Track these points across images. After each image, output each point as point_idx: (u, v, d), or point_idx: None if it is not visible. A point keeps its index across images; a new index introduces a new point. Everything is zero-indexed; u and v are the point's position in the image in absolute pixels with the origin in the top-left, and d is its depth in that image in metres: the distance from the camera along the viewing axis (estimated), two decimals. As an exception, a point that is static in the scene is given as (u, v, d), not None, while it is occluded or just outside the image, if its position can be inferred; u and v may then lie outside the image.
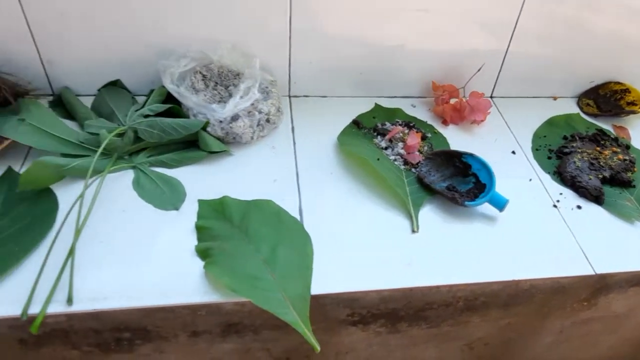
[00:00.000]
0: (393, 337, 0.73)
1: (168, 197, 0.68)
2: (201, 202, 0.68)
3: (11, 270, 0.57)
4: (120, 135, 0.72)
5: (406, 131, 0.81)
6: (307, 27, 0.82)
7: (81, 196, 0.64)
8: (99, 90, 0.82)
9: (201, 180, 0.72)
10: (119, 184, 0.70)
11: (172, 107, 0.73)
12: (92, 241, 0.62)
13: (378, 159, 0.75)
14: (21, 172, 0.69)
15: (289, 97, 0.90)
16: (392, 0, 0.81)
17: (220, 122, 0.74)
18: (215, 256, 0.60)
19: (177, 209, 0.67)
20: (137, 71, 0.82)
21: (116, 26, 0.76)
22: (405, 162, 0.77)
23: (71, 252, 0.59)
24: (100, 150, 0.68)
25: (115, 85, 0.82)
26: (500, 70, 0.94)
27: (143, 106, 0.75)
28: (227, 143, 0.76)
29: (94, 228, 0.63)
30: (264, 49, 0.82)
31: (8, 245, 0.59)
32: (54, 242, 0.60)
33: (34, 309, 0.55)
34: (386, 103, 0.91)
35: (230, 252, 0.61)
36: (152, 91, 0.83)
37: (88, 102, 0.81)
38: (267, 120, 0.78)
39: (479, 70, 0.90)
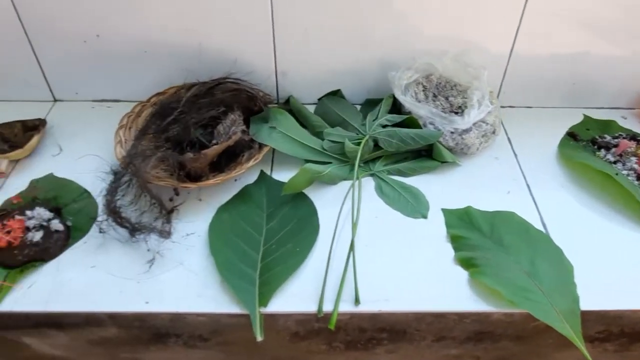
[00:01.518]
0: (619, 355, 0.71)
1: (414, 205, 0.71)
2: (446, 212, 0.70)
3: (299, 269, 0.63)
4: (359, 143, 0.76)
5: (633, 145, 0.79)
6: (528, 47, 0.82)
7: (358, 200, 0.69)
8: (319, 99, 0.87)
9: (435, 190, 0.74)
10: (362, 190, 0.73)
11: (409, 117, 0.76)
12: (357, 244, 0.65)
13: (617, 174, 0.73)
14: (272, 175, 0.75)
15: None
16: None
17: (452, 132, 0.76)
18: (481, 266, 0.62)
19: (425, 217, 0.69)
20: (355, 82, 0.86)
21: (349, 41, 0.80)
22: (639, 177, 0.75)
23: (351, 248, 0.62)
24: (342, 158, 0.73)
25: (334, 95, 0.87)
26: None
27: (377, 116, 0.79)
28: (455, 153, 0.78)
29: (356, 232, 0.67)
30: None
31: (287, 245, 0.64)
32: (332, 243, 0.64)
33: (316, 307, 0.59)
34: (593, 114, 0.88)
35: (495, 263, 0.62)
36: (366, 100, 0.88)
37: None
38: (493, 132, 0.78)
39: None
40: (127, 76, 0.84)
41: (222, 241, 0.65)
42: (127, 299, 0.59)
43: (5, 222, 0.64)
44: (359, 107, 0.87)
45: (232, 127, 0.70)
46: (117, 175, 0.64)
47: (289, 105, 0.84)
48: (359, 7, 0.77)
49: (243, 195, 0.71)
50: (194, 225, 0.67)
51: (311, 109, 0.85)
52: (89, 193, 0.71)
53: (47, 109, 0.86)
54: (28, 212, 0.65)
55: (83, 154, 0.77)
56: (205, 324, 0.61)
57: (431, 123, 0.77)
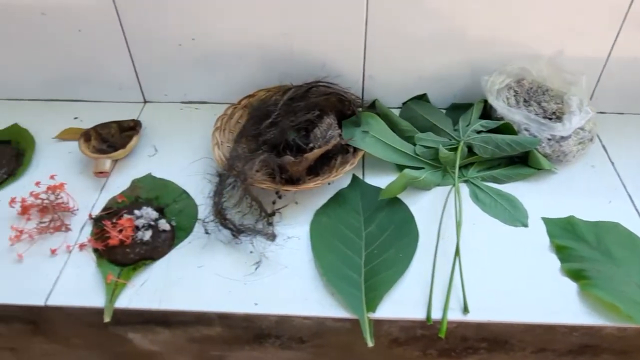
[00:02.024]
0: None
1: (511, 213, 0.69)
2: (547, 221, 0.68)
3: (403, 275, 0.63)
4: (453, 149, 0.75)
5: None
6: (627, 51, 0.79)
7: (459, 206, 0.68)
8: (404, 103, 0.87)
9: (531, 197, 0.72)
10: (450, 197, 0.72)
11: (504, 123, 0.75)
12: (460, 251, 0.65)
13: None
14: (364, 179, 0.75)
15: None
16: None
17: (549, 139, 0.74)
18: (593, 279, 0.60)
19: (525, 225, 0.68)
20: (441, 86, 0.85)
21: (440, 45, 0.79)
22: None
23: (457, 253, 0.62)
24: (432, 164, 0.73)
25: (420, 99, 0.86)
26: None
27: (469, 122, 0.78)
28: (550, 161, 0.76)
29: (453, 239, 0.66)
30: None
31: (389, 250, 0.64)
32: (436, 249, 0.64)
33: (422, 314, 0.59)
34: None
35: (608, 276, 0.61)
36: (452, 105, 0.87)
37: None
38: (590, 139, 0.76)
39: None
40: (216, 79, 0.86)
41: (324, 245, 0.65)
42: (237, 300, 0.60)
43: (115, 220, 0.66)
44: (443, 111, 0.87)
45: (328, 131, 0.71)
46: (222, 177, 0.65)
47: (375, 109, 0.84)
48: (452, 11, 0.76)
49: (338, 199, 0.72)
50: (293, 229, 0.68)
51: (394, 112, 0.85)
52: (187, 194, 0.72)
53: (138, 110, 0.88)
54: (136, 212, 0.67)
55: (177, 155, 0.79)
56: (309, 327, 0.62)
57: (526, 129, 0.75)
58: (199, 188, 0.73)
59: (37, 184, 0.70)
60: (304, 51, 0.81)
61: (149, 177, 0.75)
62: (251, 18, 0.78)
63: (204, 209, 0.70)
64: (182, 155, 0.79)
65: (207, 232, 0.65)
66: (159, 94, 0.88)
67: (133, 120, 0.83)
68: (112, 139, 0.81)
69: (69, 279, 0.63)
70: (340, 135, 0.72)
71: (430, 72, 0.83)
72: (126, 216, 0.66)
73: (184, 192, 0.73)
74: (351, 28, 0.78)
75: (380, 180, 0.75)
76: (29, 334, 0.69)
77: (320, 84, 0.77)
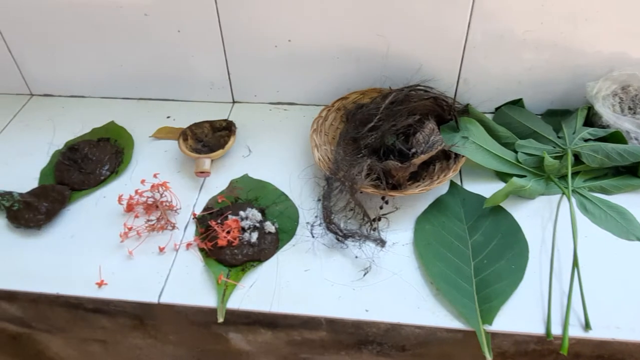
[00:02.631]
0: None
1: (624, 226, 0.66)
2: (664, 235, 0.66)
3: (517, 287, 0.61)
4: (557, 157, 0.73)
5: None
6: None
7: (572, 217, 0.66)
8: (497, 108, 0.85)
9: (641, 209, 0.70)
10: (562, 207, 0.70)
11: (615, 132, 0.72)
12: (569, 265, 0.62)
13: None
14: (462, 186, 0.73)
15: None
16: None
17: (662, 149, 0.71)
18: None
19: (640, 239, 0.66)
20: (537, 91, 0.83)
21: (542, 50, 0.77)
22: None
23: (575, 264, 0.60)
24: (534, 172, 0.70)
25: (514, 104, 0.84)
26: None
27: (574, 129, 0.75)
28: (661, 171, 0.73)
29: (566, 251, 0.64)
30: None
31: (500, 261, 0.63)
32: (552, 261, 0.62)
33: (540, 329, 0.57)
34: None
35: None
36: (548, 111, 0.84)
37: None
38: None
39: None
40: (307, 80, 0.86)
41: (431, 253, 0.64)
42: (347, 306, 0.60)
43: (221, 221, 0.67)
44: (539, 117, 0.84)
45: (431, 136, 0.70)
46: (329, 181, 0.65)
47: (468, 114, 0.82)
48: (557, 16, 0.74)
49: (439, 205, 0.70)
50: (396, 235, 0.67)
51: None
52: (286, 195, 0.73)
53: (227, 110, 0.89)
54: (242, 213, 0.67)
55: (271, 156, 0.80)
56: (417, 336, 0.61)
57: (636, 138, 0.72)
58: (296, 190, 0.74)
59: (143, 182, 0.72)
60: (399, 53, 0.80)
61: (247, 178, 0.76)
62: (348, 20, 0.77)
63: (304, 212, 0.70)
64: (275, 156, 0.80)
65: (312, 236, 0.65)
66: (249, 94, 0.89)
67: (225, 120, 0.83)
68: (205, 138, 0.82)
69: (178, 277, 0.64)
70: (443, 141, 0.70)
71: (530, 77, 0.81)
72: (232, 217, 0.67)
73: (283, 193, 0.73)
74: (452, 30, 0.76)
75: (478, 187, 0.73)
76: (129, 328, 0.71)
77: (419, 87, 0.76)
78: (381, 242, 0.62)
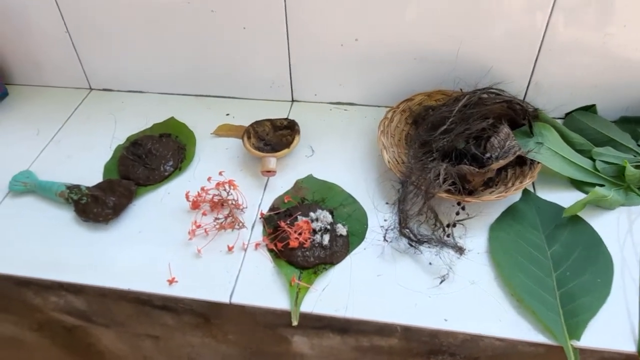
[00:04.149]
0: None
1: None
2: None
3: (605, 302, 0.59)
4: (639, 166, 0.70)
5: None
6: None
7: None
8: (567, 114, 0.81)
9: None
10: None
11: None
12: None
13: None
14: (536, 193, 0.71)
15: None
16: None
17: None
18: None
19: None
20: (611, 97, 0.79)
21: (624, 49, 0.74)
22: None
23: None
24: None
25: (586, 110, 0.81)
26: None
27: (656, 138, 0.72)
28: None
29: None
30: None
31: (584, 275, 0.60)
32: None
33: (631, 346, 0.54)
34: None
35: None
36: (622, 118, 0.80)
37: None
38: None
39: None
40: (370, 80, 0.84)
41: (510, 262, 0.62)
42: (424, 314, 0.58)
43: (290, 221, 0.66)
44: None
45: (507, 141, 0.67)
46: (404, 185, 0.63)
47: (538, 119, 0.79)
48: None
49: (513, 213, 0.68)
50: (469, 242, 0.65)
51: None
52: (353, 198, 0.71)
53: (286, 109, 0.88)
54: (312, 214, 0.66)
55: (334, 157, 0.78)
56: (496, 349, 0.59)
57: None
58: (362, 192, 0.72)
59: (209, 179, 0.71)
60: (469, 55, 0.77)
61: (312, 179, 0.75)
62: (419, 19, 0.75)
63: (372, 215, 0.69)
64: (339, 157, 0.78)
65: (386, 240, 0.64)
66: (309, 93, 0.88)
67: (286, 119, 0.82)
68: (267, 137, 0.81)
69: (248, 277, 0.63)
70: (519, 146, 0.68)
71: (606, 81, 0.78)
72: (301, 218, 0.66)
73: (350, 195, 0.71)
74: (528, 31, 0.73)
75: (552, 195, 0.70)
76: (191, 326, 0.70)
77: (492, 90, 0.74)
78: (459, 250, 0.60)
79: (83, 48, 0.89)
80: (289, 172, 0.76)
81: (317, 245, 0.63)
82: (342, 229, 0.65)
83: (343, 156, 0.78)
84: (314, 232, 0.64)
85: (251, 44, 0.82)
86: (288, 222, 0.66)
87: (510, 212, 0.68)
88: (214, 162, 0.78)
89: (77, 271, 0.65)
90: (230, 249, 0.65)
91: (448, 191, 0.66)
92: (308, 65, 0.84)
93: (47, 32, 0.88)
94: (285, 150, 0.75)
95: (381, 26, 0.77)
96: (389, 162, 0.70)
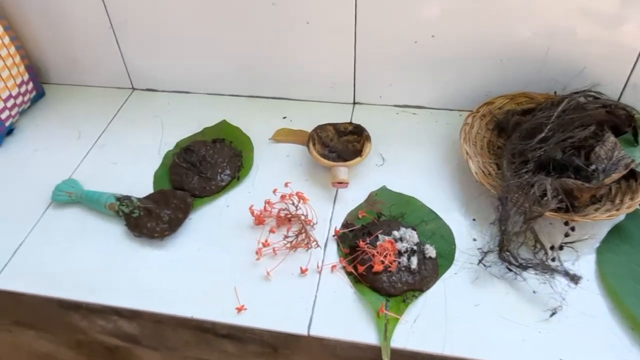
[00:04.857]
0: None
1: None
2: None
3: None
4: None
5: None
6: None
7: None
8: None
9: None
10: None
11: None
12: None
13: None
14: None
15: None
16: None
17: None
18: None
19: None
20: None
21: None
22: None
23: None
24: None
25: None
26: None
27: None
28: None
29: None
30: None
31: None
32: None
33: None
34: None
35: None
36: None
37: None
38: None
39: None
40: (442, 82, 0.76)
41: (627, 291, 0.53)
42: (535, 352, 0.50)
43: (369, 241, 0.58)
44: None
45: (614, 152, 0.60)
46: (503, 202, 0.56)
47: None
48: None
49: (619, 233, 0.60)
50: (576, 267, 0.57)
51: None
52: (435, 213, 0.63)
53: (347, 112, 0.80)
54: (395, 233, 0.59)
55: (407, 166, 0.70)
56: (618, 393, 0.52)
57: None
58: (443, 206, 0.64)
59: (275, 191, 0.64)
60: (561, 53, 0.69)
61: (386, 191, 0.67)
62: (506, 13, 0.67)
63: (458, 233, 0.61)
64: (412, 166, 0.70)
65: (483, 264, 0.56)
66: (373, 95, 0.80)
67: (350, 123, 0.75)
68: (331, 143, 0.73)
69: (326, 305, 0.55)
70: (630, 157, 0.60)
71: None
72: (383, 237, 0.58)
73: (431, 210, 0.64)
74: (628, 26, 0.65)
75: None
76: (254, 355, 0.63)
77: (590, 93, 0.66)
78: (574, 278, 0.52)
79: (127, 44, 0.82)
80: (358, 183, 0.68)
81: (403, 268, 0.56)
82: (431, 250, 0.57)
83: (417, 165, 0.70)
84: (399, 253, 0.57)
85: (314, 40, 0.75)
86: (368, 241, 0.59)
87: (616, 232, 0.60)
88: (275, 171, 0.71)
89: (132, 295, 0.58)
90: (303, 271, 0.58)
91: (553, 209, 0.58)
92: (375, 64, 0.76)
93: (89, 27, 0.81)
94: (357, 159, 0.68)
95: (462, 21, 0.69)
96: (476, 173, 0.63)
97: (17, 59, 0.78)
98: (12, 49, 0.77)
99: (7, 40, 0.76)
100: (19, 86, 0.79)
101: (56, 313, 0.65)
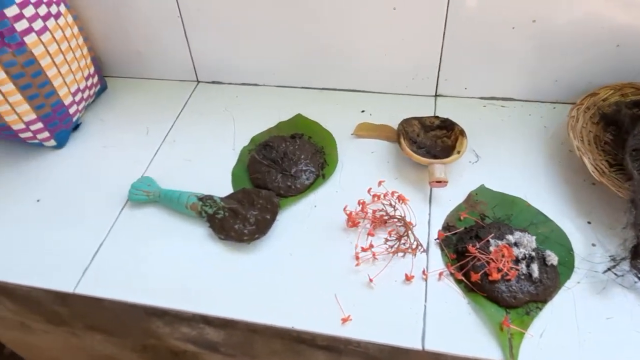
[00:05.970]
0: None
1: None
2: None
3: None
4: None
5: None
6: None
7: None
8: None
9: None
10: None
11: None
12: None
13: None
14: None
15: None
16: None
17: None
18: None
19: None
20: None
21: None
22: None
23: None
24: None
25: None
26: None
27: None
28: None
29: None
30: None
31: None
32: None
33: None
34: None
35: None
36: None
37: None
38: None
39: None
40: (536, 71, 0.70)
41: None
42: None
43: (479, 245, 0.54)
44: None
45: None
46: (635, 204, 0.51)
47: None
48: None
49: None
50: None
51: None
52: (544, 215, 0.58)
53: (429, 105, 0.75)
54: (509, 237, 0.54)
55: (504, 163, 0.65)
56: None
57: None
58: (552, 207, 0.59)
59: (369, 190, 0.59)
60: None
61: (485, 190, 0.62)
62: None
63: (574, 238, 0.55)
64: (510, 163, 0.65)
65: (614, 274, 0.51)
66: (458, 86, 0.74)
67: (437, 117, 0.70)
68: (418, 138, 0.69)
69: (437, 316, 0.51)
70: None
71: None
72: (496, 242, 0.54)
73: (540, 212, 0.59)
74: None
75: None
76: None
77: None
78: None
79: (194, 34, 0.78)
80: (453, 181, 0.63)
81: (523, 277, 0.51)
82: (552, 257, 0.52)
83: (515, 162, 0.65)
84: (516, 260, 0.53)
85: (399, 28, 0.69)
86: (478, 246, 0.54)
87: None
88: (361, 168, 0.66)
89: (225, 303, 0.54)
90: (409, 278, 0.53)
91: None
92: (464, 52, 0.70)
93: (156, 16, 0.76)
94: (455, 156, 0.62)
95: (569, 4, 0.63)
96: (593, 172, 0.57)
97: (85, 50, 0.75)
98: (81, 40, 0.73)
99: (75, 30, 0.72)
100: (86, 79, 0.76)
101: (137, 319, 0.62)
